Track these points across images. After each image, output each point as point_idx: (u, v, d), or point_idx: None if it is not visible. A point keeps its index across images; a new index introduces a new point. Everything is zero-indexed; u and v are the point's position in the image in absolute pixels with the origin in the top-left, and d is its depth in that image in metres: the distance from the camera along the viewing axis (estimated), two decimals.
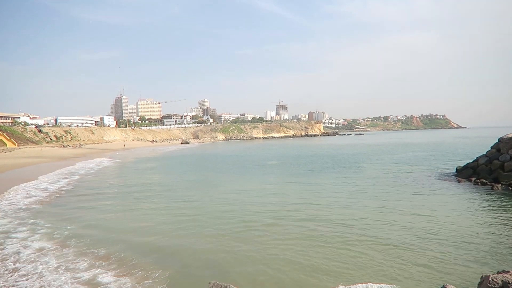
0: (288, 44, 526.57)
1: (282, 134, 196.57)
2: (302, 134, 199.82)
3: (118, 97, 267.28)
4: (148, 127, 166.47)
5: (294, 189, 22.59)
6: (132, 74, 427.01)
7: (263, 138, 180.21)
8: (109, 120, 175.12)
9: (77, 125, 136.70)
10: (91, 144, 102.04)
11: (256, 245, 11.47)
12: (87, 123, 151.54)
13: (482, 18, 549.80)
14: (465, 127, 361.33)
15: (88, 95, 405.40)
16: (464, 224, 13.28)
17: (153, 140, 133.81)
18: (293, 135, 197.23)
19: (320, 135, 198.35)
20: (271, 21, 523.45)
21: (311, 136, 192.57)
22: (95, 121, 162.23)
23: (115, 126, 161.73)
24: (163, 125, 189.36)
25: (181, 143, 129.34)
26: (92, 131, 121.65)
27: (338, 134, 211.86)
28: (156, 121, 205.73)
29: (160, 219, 15.22)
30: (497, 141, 25.17)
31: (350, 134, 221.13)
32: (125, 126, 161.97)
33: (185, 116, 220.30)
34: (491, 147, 25.58)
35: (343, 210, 16.15)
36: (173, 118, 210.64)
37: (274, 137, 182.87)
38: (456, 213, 15.09)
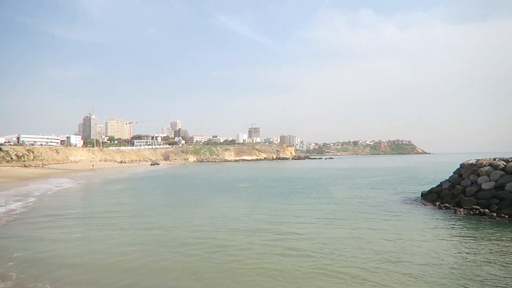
0: (262, 67, 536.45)
1: (254, 157, 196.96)
2: (274, 157, 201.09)
3: (87, 116, 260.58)
4: (117, 148, 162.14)
5: (264, 212, 22.29)
6: (102, 93, 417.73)
7: (235, 160, 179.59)
8: (76, 140, 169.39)
9: (41, 144, 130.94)
10: (56, 164, 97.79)
11: (226, 271, 11.04)
12: (51, 142, 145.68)
13: (445, 48, 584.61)
14: (429, 153, 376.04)
15: (55, 113, 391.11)
16: (428, 248, 13.44)
17: (121, 161, 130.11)
18: (265, 158, 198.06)
19: (292, 159, 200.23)
20: (246, 45, 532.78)
21: (283, 159, 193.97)
22: (61, 140, 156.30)
23: (82, 146, 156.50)
24: (133, 145, 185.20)
25: (151, 164, 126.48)
26: (57, 151, 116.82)
27: (309, 158, 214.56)
28: (126, 142, 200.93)
29: (121, 248, 14.41)
30: (459, 166, 26.16)
31: (321, 158, 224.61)
32: (93, 146, 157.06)
33: (156, 137, 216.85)
34: (453, 173, 26.52)
35: (311, 234, 15.99)
36: (144, 139, 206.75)
37: (246, 160, 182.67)
38: (421, 237, 15.30)
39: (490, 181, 22.20)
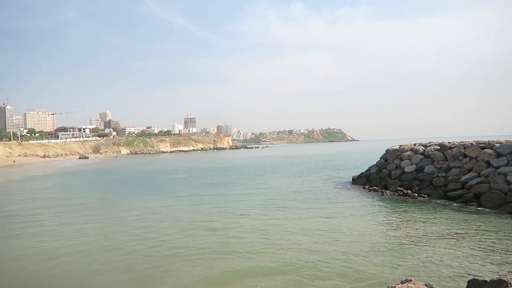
0: (195, 58, 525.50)
1: (191, 148, 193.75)
2: (211, 148, 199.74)
3: (0, 107, 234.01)
4: (39, 141, 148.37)
5: (202, 202, 22.02)
6: (19, 83, 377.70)
7: (171, 151, 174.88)
8: None
9: None
10: None
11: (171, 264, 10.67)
12: None
13: (368, 42, 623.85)
14: (358, 140, 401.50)
15: None
16: (358, 226, 14.40)
17: (45, 155, 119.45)
18: (202, 148, 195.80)
19: (229, 148, 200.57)
20: (178, 35, 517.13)
21: (220, 149, 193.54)
22: None
23: None
24: (58, 138, 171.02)
25: (79, 158, 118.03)
26: None
27: (246, 147, 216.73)
28: (49, 134, 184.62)
29: (49, 249, 13.25)
30: (384, 152, 28.22)
31: (258, 147, 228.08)
32: (9, 140, 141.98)
33: (84, 128, 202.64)
34: (380, 158, 28.57)
35: (250, 220, 16.16)
36: (70, 131, 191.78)
37: (183, 151, 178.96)
38: (352, 216, 16.46)
39: (411, 164, 24.30)
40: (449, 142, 24.15)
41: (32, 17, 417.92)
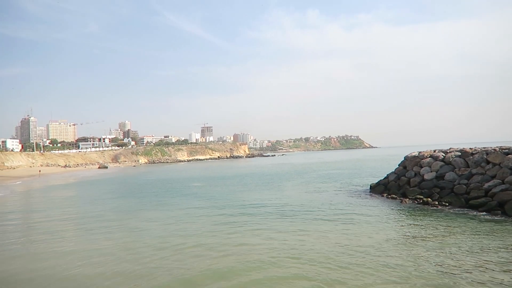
0: (212, 66, 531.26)
1: (208, 156, 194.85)
2: (228, 156, 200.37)
3: (25, 118, 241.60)
4: (60, 151, 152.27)
5: (216, 212, 21.95)
6: (42, 94, 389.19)
7: (188, 160, 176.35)
8: (13, 144, 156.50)
9: None
10: None
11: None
12: None
13: (385, 47, 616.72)
14: (376, 147, 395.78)
15: None
16: (377, 235, 14.01)
17: (66, 165, 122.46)
18: (218, 156, 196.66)
19: (246, 157, 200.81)
20: (195, 44, 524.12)
21: (237, 157, 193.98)
22: None
23: (20, 150, 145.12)
24: (79, 148, 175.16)
25: (99, 167, 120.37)
26: None
27: (263, 155, 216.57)
28: (70, 145, 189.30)
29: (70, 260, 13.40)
30: (403, 159, 27.59)
31: (274, 155, 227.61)
32: (33, 150, 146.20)
33: (104, 138, 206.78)
34: (398, 165, 27.94)
35: (267, 229, 15.97)
36: (90, 141, 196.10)
37: (200, 159, 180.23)
38: (370, 225, 16.12)
39: (431, 171, 23.64)
40: (470, 148, 23.41)
41: (54, 30, 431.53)
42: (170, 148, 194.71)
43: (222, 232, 16.01)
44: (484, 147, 22.87)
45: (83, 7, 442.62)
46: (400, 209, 20.27)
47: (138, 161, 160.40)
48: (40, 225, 19.86)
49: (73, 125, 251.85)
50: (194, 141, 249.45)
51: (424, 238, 13.79)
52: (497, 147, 22.08)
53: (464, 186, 20.59)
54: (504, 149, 20.72)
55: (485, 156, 21.24)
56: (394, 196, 24.07)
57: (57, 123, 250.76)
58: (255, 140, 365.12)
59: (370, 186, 29.34)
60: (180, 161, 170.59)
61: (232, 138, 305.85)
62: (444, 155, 24.11)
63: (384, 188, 26.72)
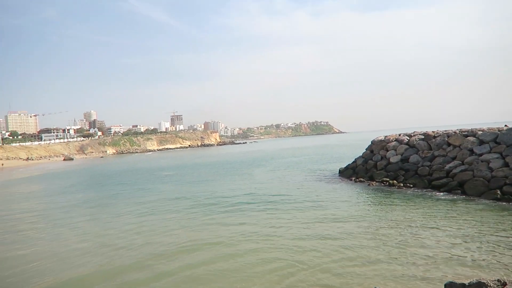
0: (180, 54, 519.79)
1: (178, 145, 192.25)
2: (199, 144, 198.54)
3: None
4: (21, 144, 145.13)
5: (188, 197, 21.75)
6: None
7: (158, 150, 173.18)
8: None
9: None
10: None
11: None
12: None
13: (352, 34, 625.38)
14: (345, 132, 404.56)
15: None
16: (346, 219, 14.39)
17: (28, 158, 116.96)
18: (189, 145, 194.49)
19: (217, 145, 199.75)
20: (161, 31, 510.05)
21: (208, 146, 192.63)
22: None
23: None
24: (41, 140, 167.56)
25: (64, 159, 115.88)
26: None
27: (234, 143, 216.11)
28: (32, 137, 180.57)
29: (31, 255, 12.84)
30: (370, 143, 28.32)
31: (245, 142, 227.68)
32: None
33: (68, 129, 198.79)
34: (366, 149, 28.67)
35: (241, 216, 16.01)
36: (54, 133, 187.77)
37: (170, 149, 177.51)
38: (339, 207, 16.68)
39: (396, 155, 24.44)
40: (432, 131, 24.35)
41: (9, 15, 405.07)
42: (139, 137, 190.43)
43: (195, 220, 15.89)
44: (445, 130, 23.84)
45: None
46: (367, 192, 20.89)
47: (106, 151, 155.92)
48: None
49: (34, 116, 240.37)
50: (164, 130, 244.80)
51: (389, 219, 14.31)
52: (457, 129, 23.08)
53: (427, 168, 21.46)
54: (464, 132, 21.70)
55: (446, 139, 22.17)
56: (361, 179, 24.73)
57: (17, 114, 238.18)
58: (226, 128, 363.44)
59: (339, 170, 29.97)
60: (150, 151, 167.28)
61: (202, 127, 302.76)
62: (408, 138, 24.95)
63: (353, 172, 27.38)
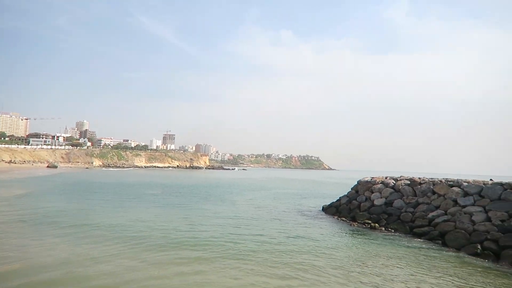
0: (181, 74, 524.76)
1: (166, 164, 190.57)
2: (187, 166, 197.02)
3: None
4: (7, 146, 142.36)
5: (169, 219, 20.98)
6: None
7: (145, 167, 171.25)
8: None
9: None
10: None
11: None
12: None
13: (352, 73, 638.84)
14: (335, 169, 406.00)
15: None
16: (322, 257, 13.82)
17: (11, 161, 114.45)
18: (178, 165, 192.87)
19: (205, 168, 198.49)
20: (166, 50, 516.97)
21: (196, 168, 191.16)
22: None
23: None
24: (28, 144, 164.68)
25: (48, 166, 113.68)
26: None
27: (223, 168, 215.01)
28: (19, 140, 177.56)
29: None
30: (356, 183, 28.06)
31: (234, 168, 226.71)
32: None
33: (58, 136, 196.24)
34: (351, 188, 28.37)
35: (213, 247, 15.34)
36: (43, 138, 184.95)
37: (158, 167, 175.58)
38: (318, 244, 16.20)
39: (381, 197, 24.14)
40: (419, 178, 24.21)
41: (19, 19, 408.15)
42: (128, 152, 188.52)
43: (168, 246, 15.17)
44: (431, 178, 23.72)
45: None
46: (347, 231, 20.41)
47: (92, 163, 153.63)
48: None
49: (25, 119, 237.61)
50: (155, 147, 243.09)
51: (364, 262, 13.80)
52: (443, 178, 22.95)
53: (410, 214, 21.12)
54: (450, 181, 21.56)
55: (431, 187, 22.00)
56: (344, 218, 24.27)
57: (8, 116, 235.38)
58: (217, 152, 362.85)
59: (323, 207, 29.51)
60: (137, 167, 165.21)
61: (194, 148, 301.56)
62: (394, 182, 24.75)
63: (336, 210, 26.94)
